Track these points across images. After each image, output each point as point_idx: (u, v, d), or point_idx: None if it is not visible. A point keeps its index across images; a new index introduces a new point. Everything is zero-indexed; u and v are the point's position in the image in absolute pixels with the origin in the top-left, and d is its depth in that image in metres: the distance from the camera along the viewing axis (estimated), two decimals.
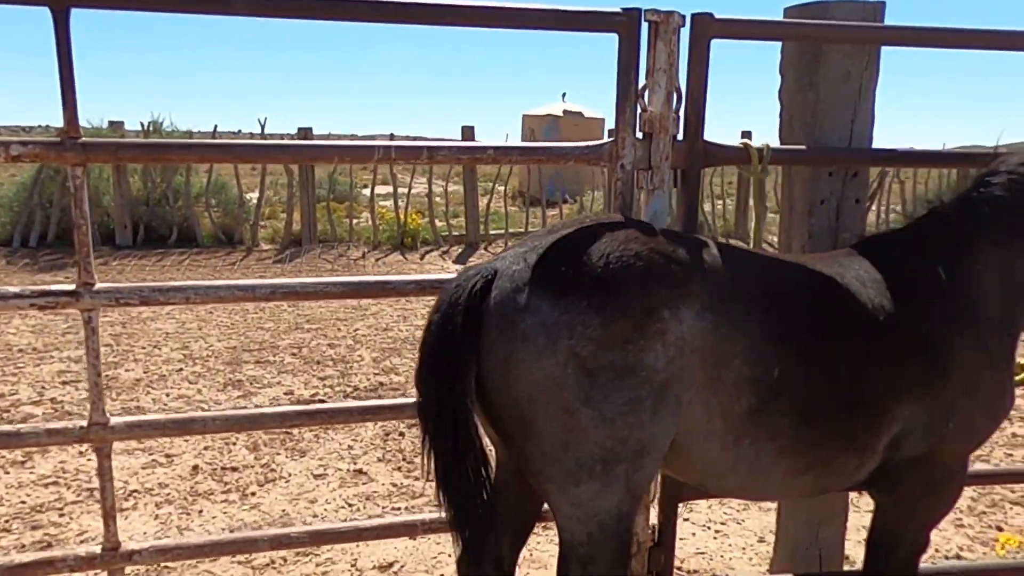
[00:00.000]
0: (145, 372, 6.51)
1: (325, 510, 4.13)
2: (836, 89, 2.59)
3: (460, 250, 13.44)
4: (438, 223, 13.93)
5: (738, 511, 4.14)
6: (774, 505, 4.10)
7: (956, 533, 3.91)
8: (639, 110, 2.33)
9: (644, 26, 2.27)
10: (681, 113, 2.38)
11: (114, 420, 2.13)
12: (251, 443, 5.02)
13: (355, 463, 4.75)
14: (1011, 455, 5.00)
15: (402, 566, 3.54)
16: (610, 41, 2.30)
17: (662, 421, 1.82)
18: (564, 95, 20.90)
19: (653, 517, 2.67)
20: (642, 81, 2.31)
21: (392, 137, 14.71)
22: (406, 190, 13.87)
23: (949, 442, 2.09)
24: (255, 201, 13.51)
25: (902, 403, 2.01)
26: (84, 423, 2.12)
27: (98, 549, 2.20)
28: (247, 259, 12.17)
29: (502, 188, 15.74)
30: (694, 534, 3.88)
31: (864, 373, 1.97)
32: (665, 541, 2.67)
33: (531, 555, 3.64)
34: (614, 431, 1.78)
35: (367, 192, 17.22)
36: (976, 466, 4.69)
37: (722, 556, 3.71)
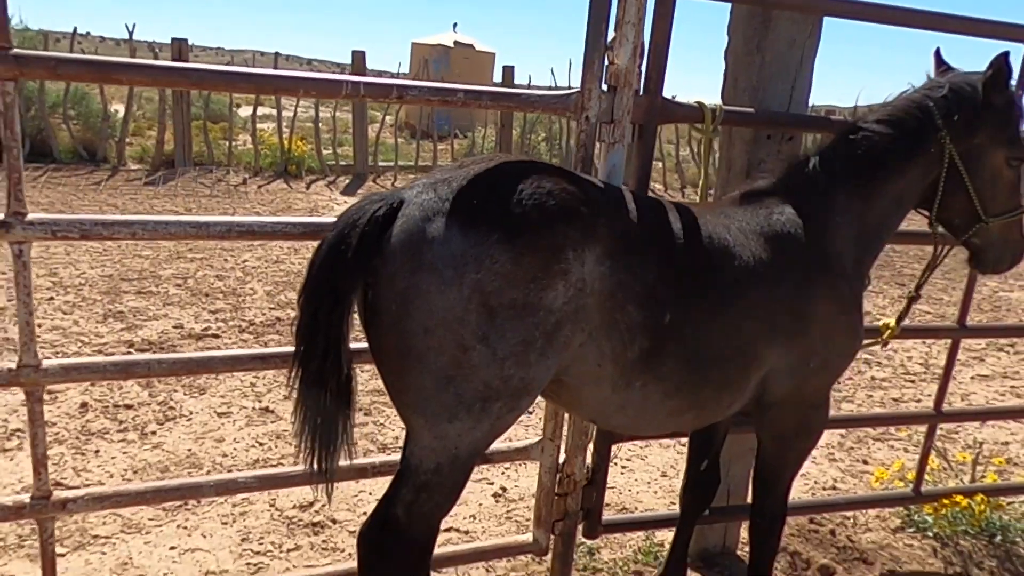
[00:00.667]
0: (9, 300, 5.94)
1: (235, 449, 4.01)
2: (781, 55, 2.70)
3: (348, 181, 13.02)
4: (324, 151, 13.37)
5: (641, 448, 4.39)
6: (673, 442, 4.40)
7: (830, 467, 4.35)
8: (606, 62, 2.33)
9: None
10: (643, 68, 2.40)
11: (47, 363, 1.95)
12: (143, 380, 4.75)
13: (260, 401, 4.61)
14: (871, 395, 5.57)
15: (323, 504, 3.52)
16: None
17: (547, 361, 1.84)
18: (455, 25, 20.35)
19: (588, 458, 2.79)
20: (611, 34, 2.30)
21: (277, 56, 13.83)
22: (290, 114, 13.18)
23: (811, 380, 2.29)
24: (121, 115, 12.40)
25: (771, 348, 2.17)
26: (12, 365, 1.94)
27: (27, 498, 2.04)
28: (113, 179, 11.22)
29: (389, 119, 15.30)
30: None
31: (741, 321, 2.09)
32: (597, 480, 2.81)
33: None
34: (503, 370, 1.78)
35: (243, 113, 16.25)
36: (843, 407, 5.20)
37: (629, 490, 3.94)
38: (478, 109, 14.90)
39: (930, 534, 3.48)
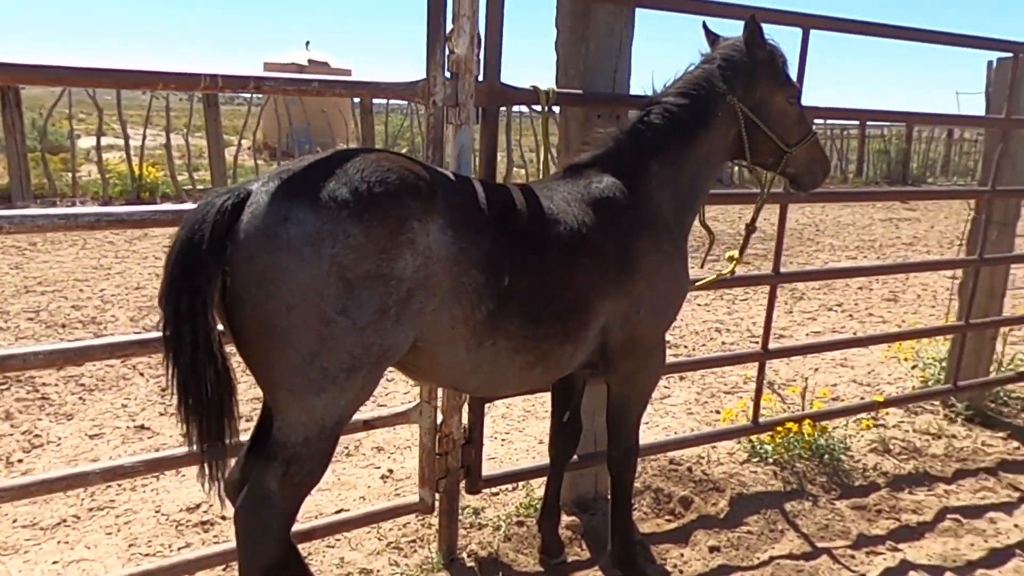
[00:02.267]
0: None
1: None
2: (602, 42, 3.05)
3: None
4: (179, 177, 12.93)
5: (519, 422, 4.68)
6: (548, 414, 4.71)
7: (688, 419, 4.80)
8: (447, 52, 2.58)
9: None
10: (482, 56, 2.68)
11: None
12: (2, 412, 4.54)
13: (134, 420, 4.52)
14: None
15: (210, 505, 3.55)
16: None
17: (404, 327, 1.99)
18: (308, 43, 20.16)
19: (464, 419, 3.03)
20: (449, 26, 2.56)
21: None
22: (138, 142, 12.67)
23: (643, 326, 2.58)
24: None
25: (603, 300, 2.41)
26: None
27: None
28: None
29: (246, 141, 14.99)
30: (484, 444, 4.33)
31: (572, 278, 2.33)
32: (474, 439, 3.05)
33: (339, 479, 3.84)
34: (364, 339, 1.91)
35: (83, 144, 15.40)
36: (697, 371, 5.70)
37: (509, 458, 4.20)
38: (337, 123, 14.81)
39: (771, 461, 3.96)
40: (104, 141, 13.23)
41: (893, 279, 9.00)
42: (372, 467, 4.02)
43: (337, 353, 1.91)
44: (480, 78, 2.70)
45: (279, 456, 2.00)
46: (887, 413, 4.70)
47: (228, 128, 17.14)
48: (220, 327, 1.95)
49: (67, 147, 12.98)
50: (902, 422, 4.72)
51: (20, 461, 3.97)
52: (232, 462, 2.19)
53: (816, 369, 5.79)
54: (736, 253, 3.08)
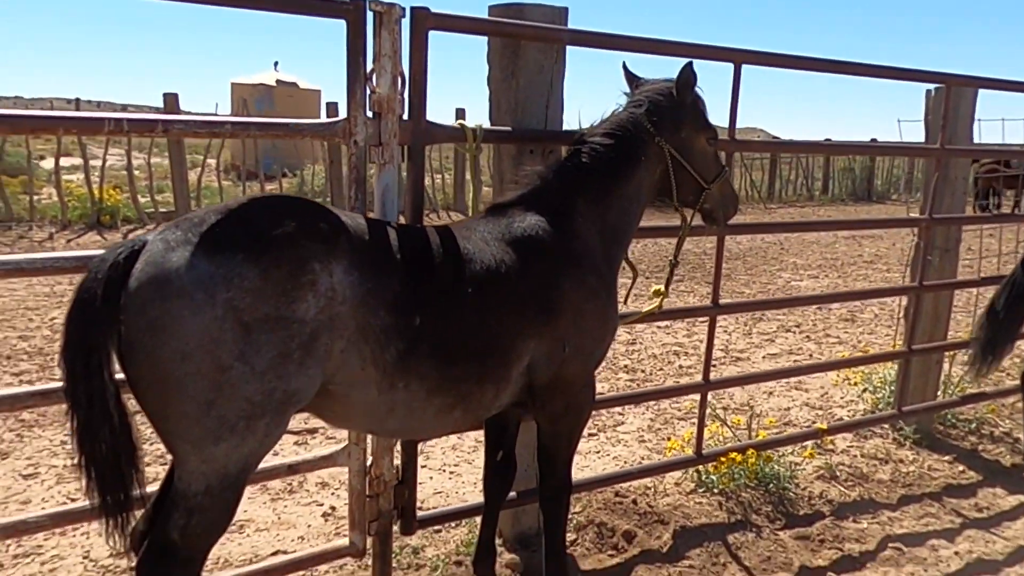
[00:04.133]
0: None
1: (44, 509, 3.82)
2: (533, 79, 3.05)
3: None
4: (141, 199, 12.77)
5: (469, 453, 4.62)
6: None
7: (639, 447, 4.78)
8: (368, 91, 2.56)
9: (369, 15, 2.49)
10: (406, 95, 2.66)
11: None
12: None
13: (73, 457, 4.40)
14: (678, 381, 6.13)
15: None
16: (326, 21, 2.50)
17: (309, 371, 1.96)
18: (276, 64, 20.14)
19: (397, 459, 2.97)
20: (370, 65, 2.54)
21: (78, 102, 13.09)
22: (99, 163, 12.50)
23: (570, 365, 2.53)
24: None
25: (525, 339, 2.38)
26: None
27: None
28: None
29: (212, 161, 14.86)
30: (431, 477, 4.28)
31: (490, 317, 2.30)
32: (408, 479, 2.99)
33: (279, 518, 3.76)
34: (263, 384, 1.88)
35: (46, 165, 15.20)
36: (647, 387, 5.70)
37: (457, 492, 4.15)
38: (304, 145, 14.80)
39: (717, 491, 3.95)
40: (66, 162, 13.08)
41: None
42: (315, 504, 3.94)
43: (235, 400, 1.88)
44: (405, 117, 2.67)
45: (180, 506, 1.97)
46: (832, 441, 4.71)
47: (197, 147, 16.96)
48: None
49: (26, 169, 12.76)
50: (851, 447, 4.74)
51: None
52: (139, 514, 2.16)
53: (771, 392, 5.80)
54: (662, 287, 3.09)
